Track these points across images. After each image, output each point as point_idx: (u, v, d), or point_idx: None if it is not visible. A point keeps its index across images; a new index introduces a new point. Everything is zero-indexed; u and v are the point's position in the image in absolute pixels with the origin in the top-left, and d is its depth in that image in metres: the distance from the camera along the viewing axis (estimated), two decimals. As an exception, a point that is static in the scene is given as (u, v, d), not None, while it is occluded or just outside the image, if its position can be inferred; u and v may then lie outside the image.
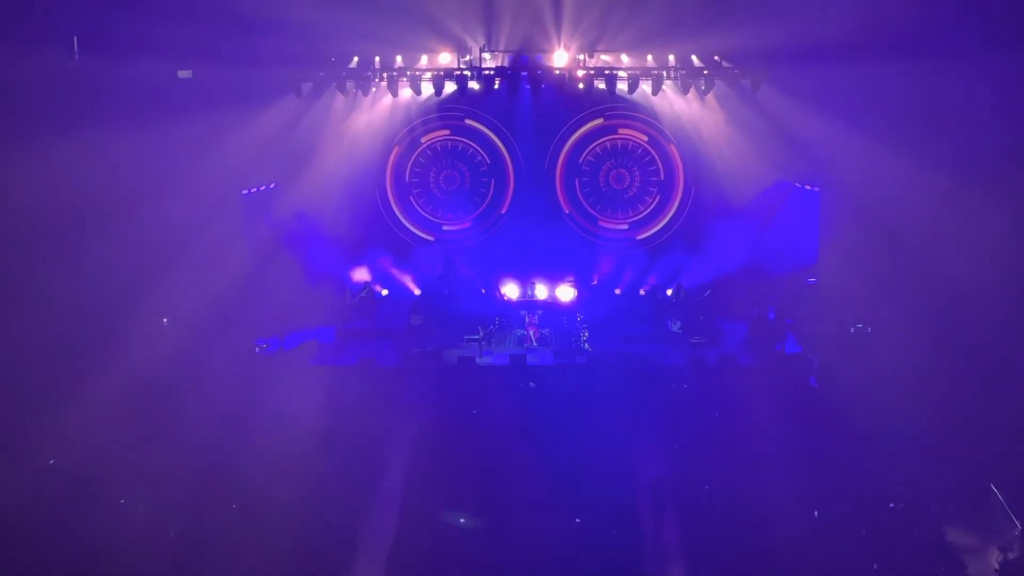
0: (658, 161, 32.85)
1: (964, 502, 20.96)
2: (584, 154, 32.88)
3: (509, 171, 32.92)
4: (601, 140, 32.87)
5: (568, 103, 31.91)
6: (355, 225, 32.41)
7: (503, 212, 33.08)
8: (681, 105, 31.75)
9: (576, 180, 33.03)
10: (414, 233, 33.27)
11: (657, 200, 33.11)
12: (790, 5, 27.06)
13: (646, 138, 32.70)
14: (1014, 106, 25.43)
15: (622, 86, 30.39)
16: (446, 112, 32.70)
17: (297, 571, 18.74)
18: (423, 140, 32.95)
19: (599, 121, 32.61)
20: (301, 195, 31.44)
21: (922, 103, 26.76)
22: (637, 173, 32.96)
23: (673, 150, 32.64)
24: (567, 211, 33.11)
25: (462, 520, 20.71)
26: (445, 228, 33.44)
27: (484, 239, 33.34)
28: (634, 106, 32.18)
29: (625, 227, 33.19)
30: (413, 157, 33.07)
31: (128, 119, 25.65)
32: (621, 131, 32.79)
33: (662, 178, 33.00)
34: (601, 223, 33.22)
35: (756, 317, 29.43)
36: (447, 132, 32.99)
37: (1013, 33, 25.32)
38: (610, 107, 32.39)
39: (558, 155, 32.85)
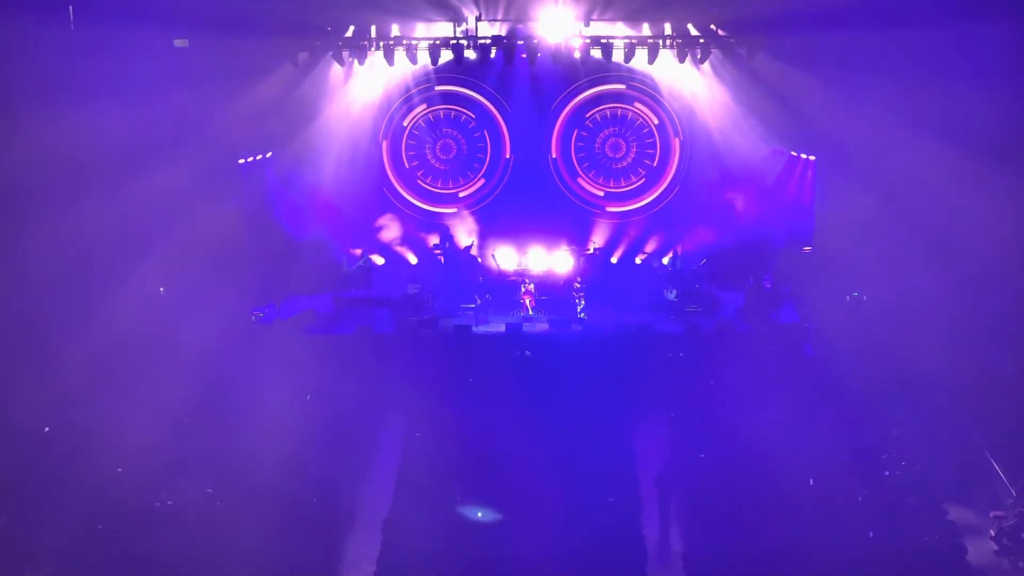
0: (658, 147, 32.69)
1: (960, 470, 21.09)
2: (593, 111, 32.65)
3: (498, 120, 32.77)
4: (614, 105, 32.69)
5: (563, 71, 31.72)
6: (352, 193, 32.32)
7: (508, 157, 32.93)
8: (680, 74, 31.61)
9: (575, 131, 32.79)
10: (436, 212, 33.17)
11: (641, 183, 33.00)
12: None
13: (657, 122, 32.54)
14: (1013, 73, 25.41)
15: (618, 54, 30.22)
16: (417, 90, 32.49)
17: (292, 540, 18.80)
18: (405, 124, 32.85)
19: (621, 87, 32.42)
20: (298, 164, 31.41)
21: (920, 70, 26.70)
22: (634, 150, 32.84)
23: (676, 144, 32.51)
24: (554, 156, 32.97)
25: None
26: (462, 195, 33.22)
27: (498, 192, 33.05)
28: (631, 73, 32.00)
29: (601, 194, 33.01)
30: (404, 142, 32.95)
31: (124, 87, 25.63)
32: (637, 104, 32.62)
33: (654, 165, 32.86)
34: (580, 180, 32.99)
35: (752, 286, 29.39)
36: (424, 107, 32.89)
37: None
38: (611, 74, 32.25)
39: (565, 106, 32.57)
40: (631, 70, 31.49)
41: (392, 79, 31.99)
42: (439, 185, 33.05)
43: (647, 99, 32.34)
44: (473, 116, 32.71)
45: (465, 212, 32.88)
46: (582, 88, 32.33)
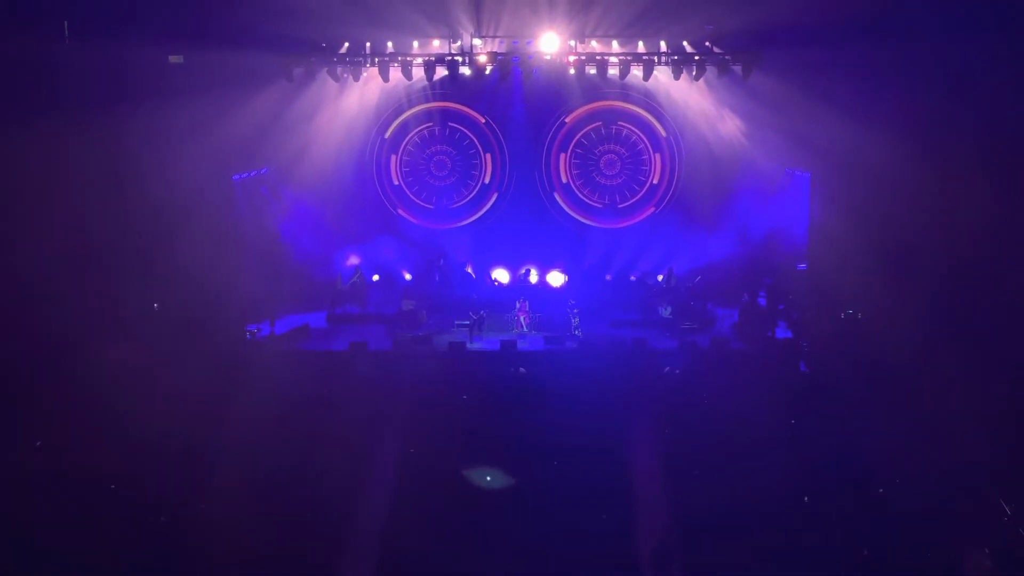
0: (638, 195, 32.91)
1: (956, 488, 21.03)
2: (606, 126, 32.96)
3: (480, 123, 33.01)
4: (636, 131, 32.93)
5: (561, 90, 31.84)
6: (346, 209, 32.41)
7: (504, 143, 33.12)
8: (678, 91, 31.73)
9: (594, 124, 32.96)
10: (480, 216, 33.58)
11: (600, 207, 33.18)
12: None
13: (656, 181, 32.70)
14: (1009, 89, 25.44)
15: (613, 71, 30.30)
16: (378, 139, 33.15)
17: (285, 557, 18.74)
18: (393, 172, 33.10)
19: (652, 122, 32.73)
20: (293, 179, 31.46)
21: (920, 85, 26.72)
22: (623, 177, 32.93)
23: (650, 211, 33.02)
24: (566, 120, 33.05)
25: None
26: (488, 180, 33.27)
27: (509, 184, 33.29)
28: (651, 97, 32.17)
29: (564, 180, 33.30)
30: (408, 194, 33.29)
31: (119, 103, 25.62)
32: (657, 156, 32.84)
33: (620, 206, 33.18)
34: (563, 157, 33.18)
35: (747, 303, 29.43)
36: (394, 157, 33.22)
37: (1013, 16, 25.35)
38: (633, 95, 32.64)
39: (572, 111, 32.81)
40: (652, 94, 31.83)
41: (380, 96, 32.53)
42: (465, 195, 33.20)
43: (665, 151, 32.43)
44: (433, 125, 33.12)
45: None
46: (603, 97, 32.74)
